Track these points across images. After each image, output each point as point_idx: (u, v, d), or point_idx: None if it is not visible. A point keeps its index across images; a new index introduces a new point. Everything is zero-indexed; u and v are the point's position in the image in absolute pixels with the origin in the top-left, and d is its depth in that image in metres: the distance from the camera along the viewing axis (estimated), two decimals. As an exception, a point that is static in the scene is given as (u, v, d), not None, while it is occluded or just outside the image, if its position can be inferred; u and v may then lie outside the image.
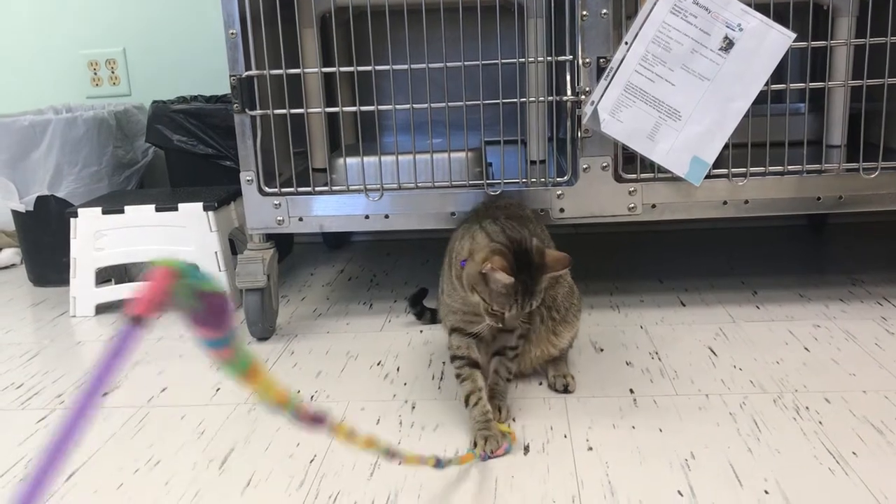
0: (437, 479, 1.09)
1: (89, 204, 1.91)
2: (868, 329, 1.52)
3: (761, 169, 1.51)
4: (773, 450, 1.11)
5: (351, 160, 1.61)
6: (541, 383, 1.36)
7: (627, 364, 1.43)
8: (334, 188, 1.57)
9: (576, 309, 1.36)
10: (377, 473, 1.11)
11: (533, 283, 1.14)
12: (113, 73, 2.42)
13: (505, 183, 1.54)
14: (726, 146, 1.45)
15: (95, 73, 2.42)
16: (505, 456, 1.13)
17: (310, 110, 1.55)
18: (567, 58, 1.51)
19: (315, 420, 0.77)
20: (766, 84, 1.41)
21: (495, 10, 1.47)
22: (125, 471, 1.17)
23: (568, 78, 1.53)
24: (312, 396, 1.37)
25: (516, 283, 1.12)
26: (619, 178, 1.53)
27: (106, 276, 1.96)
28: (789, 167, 1.51)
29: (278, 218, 1.59)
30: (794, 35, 1.39)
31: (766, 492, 1.01)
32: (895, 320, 1.56)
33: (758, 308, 1.67)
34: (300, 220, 1.59)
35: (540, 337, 1.32)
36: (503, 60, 1.49)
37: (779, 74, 1.42)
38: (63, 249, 1.96)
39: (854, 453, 1.09)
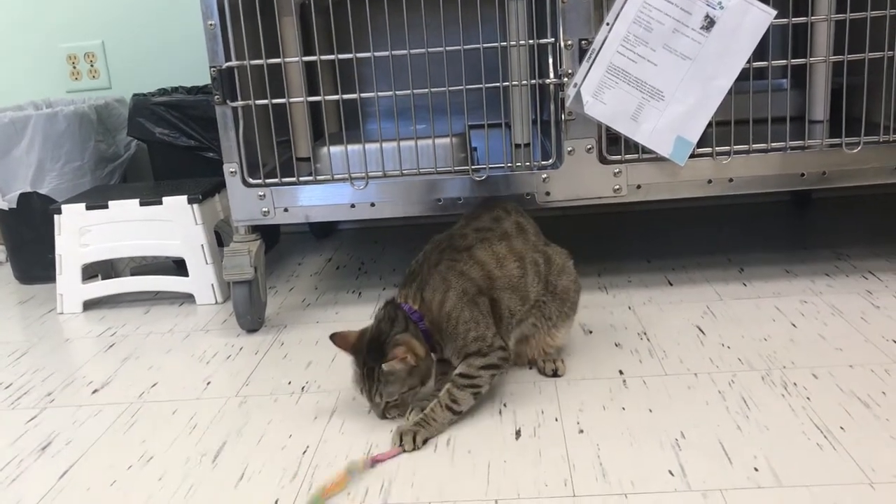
0: (429, 467, 1.09)
1: (73, 200, 1.90)
2: (854, 303, 1.53)
3: (745, 147, 1.51)
4: (762, 426, 1.12)
5: (335, 149, 1.60)
6: (531, 368, 1.37)
7: (616, 345, 1.43)
8: (319, 178, 1.57)
9: (572, 303, 1.34)
10: (370, 462, 1.12)
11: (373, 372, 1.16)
12: (92, 66, 2.39)
13: (490, 168, 1.54)
14: (710, 125, 1.45)
15: (74, 67, 2.40)
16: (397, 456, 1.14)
17: (292, 100, 1.55)
18: (549, 40, 1.50)
19: None
20: (748, 61, 1.41)
21: (475, -6, 1.46)
22: (118, 467, 1.17)
23: (550, 60, 1.52)
24: (304, 387, 1.37)
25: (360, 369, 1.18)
26: (603, 160, 1.53)
27: (92, 272, 1.95)
28: (773, 144, 1.51)
29: (263, 209, 1.58)
30: (774, 12, 1.39)
31: (756, 469, 1.02)
32: (880, 294, 1.57)
33: (744, 285, 1.67)
34: (285, 210, 1.58)
35: (537, 339, 1.32)
36: (485, 45, 1.48)
37: (761, 51, 1.42)
38: (48, 246, 1.95)
39: (842, 428, 1.10)
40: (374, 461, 1.10)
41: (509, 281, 1.24)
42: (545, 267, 1.30)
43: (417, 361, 1.16)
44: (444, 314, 1.19)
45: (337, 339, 1.21)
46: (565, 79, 1.48)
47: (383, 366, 1.14)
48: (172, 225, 1.84)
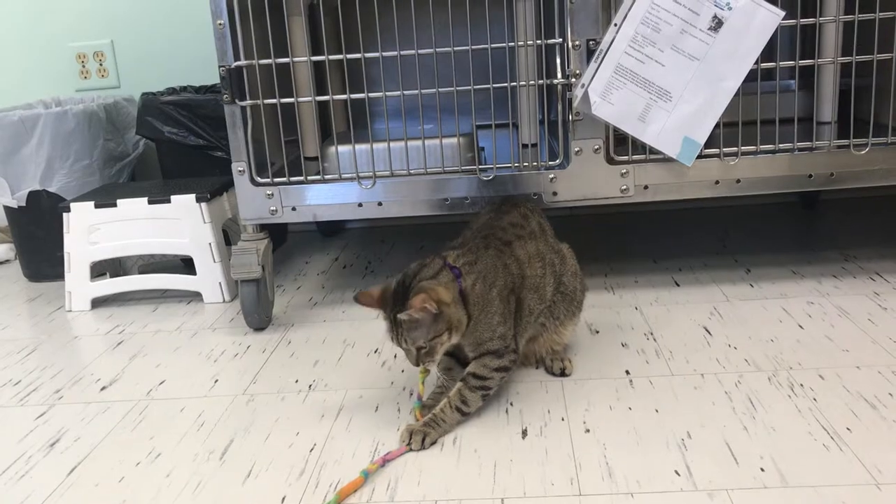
0: (436, 465, 1.10)
1: (82, 198, 1.91)
2: (861, 305, 1.53)
3: (753, 148, 1.51)
4: (769, 428, 1.12)
5: (343, 148, 1.60)
6: (538, 367, 1.37)
7: (623, 345, 1.44)
8: (327, 177, 1.57)
9: (578, 302, 1.35)
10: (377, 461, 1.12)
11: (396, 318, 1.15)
12: (101, 65, 2.40)
13: (497, 168, 1.54)
14: (717, 125, 1.45)
15: (84, 66, 2.41)
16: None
17: (300, 99, 1.55)
18: (557, 41, 1.51)
19: None
20: (756, 62, 1.41)
21: (483, -6, 1.46)
22: (126, 464, 1.17)
23: (558, 61, 1.53)
24: (311, 385, 1.38)
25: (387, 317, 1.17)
26: (611, 161, 1.53)
27: (101, 270, 1.96)
28: (780, 145, 1.51)
29: (271, 208, 1.59)
30: (782, 13, 1.39)
31: (762, 469, 1.02)
32: (888, 295, 1.57)
33: (751, 286, 1.67)
34: (293, 209, 1.59)
35: (545, 338, 1.33)
36: (493, 45, 1.48)
37: (769, 52, 1.42)
38: (57, 244, 1.96)
39: (848, 429, 1.10)
40: (385, 460, 1.11)
41: (534, 281, 1.25)
42: (560, 267, 1.31)
43: (441, 308, 1.12)
44: (487, 300, 1.18)
45: (361, 297, 1.17)
46: (573, 79, 1.48)
47: (398, 315, 1.12)
48: (181, 223, 1.85)
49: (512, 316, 1.21)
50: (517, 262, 1.24)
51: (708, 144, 1.47)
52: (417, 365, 1.17)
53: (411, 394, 1.31)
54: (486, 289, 1.18)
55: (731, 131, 1.50)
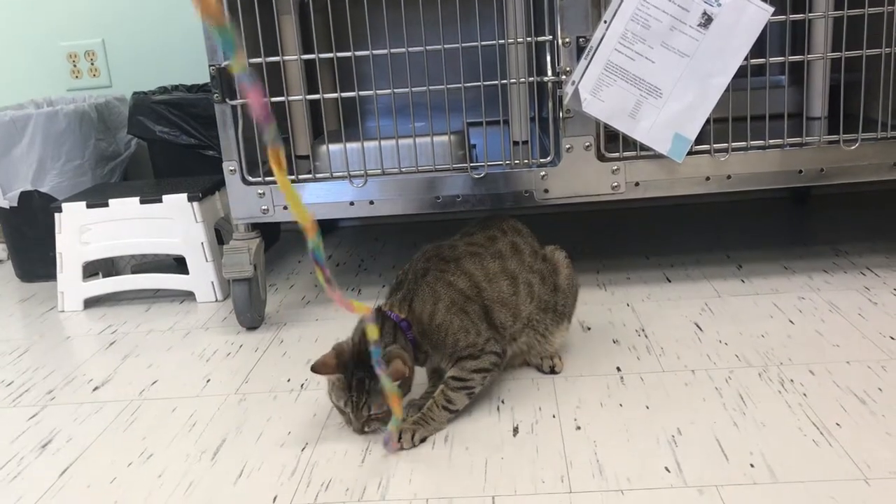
0: (427, 464, 1.10)
1: (74, 198, 1.90)
2: (852, 300, 1.54)
3: (743, 143, 1.51)
4: (759, 423, 1.13)
5: (334, 147, 1.60)
6: (528, 364, 1.37)
7: (614, 342, 1.44)
8: (318, 175, 1.57)
9: (567, 308, 1.34)
10: (368, 460, 1.12)
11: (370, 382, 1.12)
12: (92, 64, 2.40)
13: (489, 165, 1.54)
14: (708, 122, 1.45)
15: (75, 66, 2.40)
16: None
17: (291, 98, 1.55)
18: (547, 38, 1.51)
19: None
20: (746, 58, 1.42)
21: (473, -8, 1.46)
22: (118, 464, 1.17)
23: (548, 58, 1.53)
24: (303, 385, 1.38)
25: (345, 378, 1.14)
26: (602, 157, 1.54)
27: (93, 269, 1.96)
28: (771, 141, 1.51)
29: (263, 207, 1.59)
30: (772, 9, 1.39)
31: (752, 465, 1.03)
32: (878, 290, 1.57)
33: (743, 282, 1.68)
34: (285, 208, 1.59)
35: (535, 351, 1.32)
36: (483, 42, 1.48)
37: (759, 48, 1.43)
38: (49, 244, 1.95)
39: (838, 424, 1.11)
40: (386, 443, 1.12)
41: (499, 296, 1.23)
42: (540, 286, 1.28)
43: (410, 373, 1.15)
44: (435, 326, 1.18)
45: (319, 367, 1.14)
46: (563, 76, 1.49)
47: (386, 383, 1.09)
48: (173, 223, 1.84)
49: (478, 321, 1.19)
50: (466, 276, 1.21)
51: (698, 141, 1.47)
52: (361, 433, 1.17)
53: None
54: (429, 317, 1.18)
55: (721, 127, 1.50)
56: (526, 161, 1.55)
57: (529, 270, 1.28)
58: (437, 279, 1.21)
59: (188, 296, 1.90)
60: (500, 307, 1.23)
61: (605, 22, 1.42)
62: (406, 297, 1.20)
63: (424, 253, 1.27)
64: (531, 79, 1.56)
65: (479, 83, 1.49)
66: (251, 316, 1.64)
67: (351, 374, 1.14)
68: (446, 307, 1.18)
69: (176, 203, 1.83)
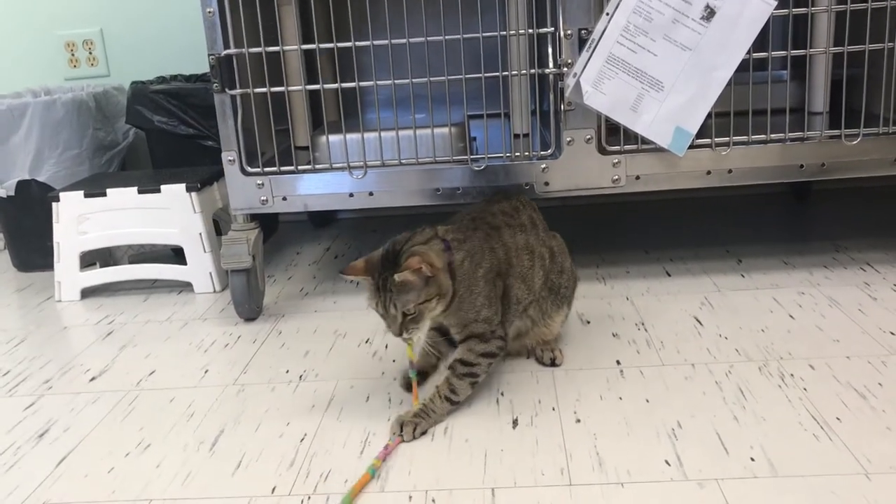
0: (426, 455, 1.10)
1: (71, 188, 1.89)
2: (851, 295, 1.53)
3: (744, 138, 1.51)
4: (759, 417, 1.12)
5: (333, 138, 1.60)
6: (528, 357, 1.37)
7: (614, 335, 1.44)
8: (318, 166, 1.57)
9: (566, 297, 1.35)
10: (367, 451, 1.12)
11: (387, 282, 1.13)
12: (90, 53, 2.38)
13: (489, 158, 1.53)
14: (709, 115, 1.45)
15: (73, 55, 2.39)
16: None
17: (290, 88, 1.54)
18: (549, 30, 1.50)
19: None
20: (748, 52, 1.41)
21: (475, -18, 1.45)
22: (116, 454, 1.17)
23: (550, 50, 1.52)
24: (301, 376, 1.38)
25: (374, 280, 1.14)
26: (602, 151, 1.53)
27: (90, 259, 1.95)
28: (772, 135, 1.51)
29: (262, 198, 1.58)
30: (774, 2, 1.38)
31: (752, 459, 1.03)
32: (878, 286, 1.57)
33: (743, 276, 1.68)
34: (284, 199, 1.58)
35: (534, 332, 1.33)
36: (484, 34, 1.47)
37: (761, 42, 1.42)
38: (46, 234, 1.94)
39: (838, 418, 1.10)
40: (385, 455, 1.10)
41: (521, 271, 1.25)
42: (549, 263, 1.31)
43: (434, 272, 1.12)
44: (471, 278, 1.18)
45: (347, 269, 1.15)
46: (565, 69, 1.48)
47: (395, 276, 1.10)
48: (171, 213, 1.84)
49: (498, 300, 1.21)
50: (504, 248, 1.24)
51: (700, 134, 1.47)
52: (400, 334, 1.14)
53: (399, 377, 1.31)
54: (473, 268, 1.18)
55: (722, 121, 1.50)
56: (527, 154, 1.54)
57: (543, 244, 1.30)
58: (486, 240, 1.22)
59: (186, 286, 1.89)
60: (520, 283, 1.25)
61: (608, 14, 1.41)
62: (456, 234, 1.21)
63: (465, 215, 1.28)
64: (532, 71, 1.55)
65: (480, 75, 1.48)
66: (249, 307, 1.63)
67: (378, 275, 1.13)
68: (485, 270, 1.20)
69: (174, 193, 1.82)
